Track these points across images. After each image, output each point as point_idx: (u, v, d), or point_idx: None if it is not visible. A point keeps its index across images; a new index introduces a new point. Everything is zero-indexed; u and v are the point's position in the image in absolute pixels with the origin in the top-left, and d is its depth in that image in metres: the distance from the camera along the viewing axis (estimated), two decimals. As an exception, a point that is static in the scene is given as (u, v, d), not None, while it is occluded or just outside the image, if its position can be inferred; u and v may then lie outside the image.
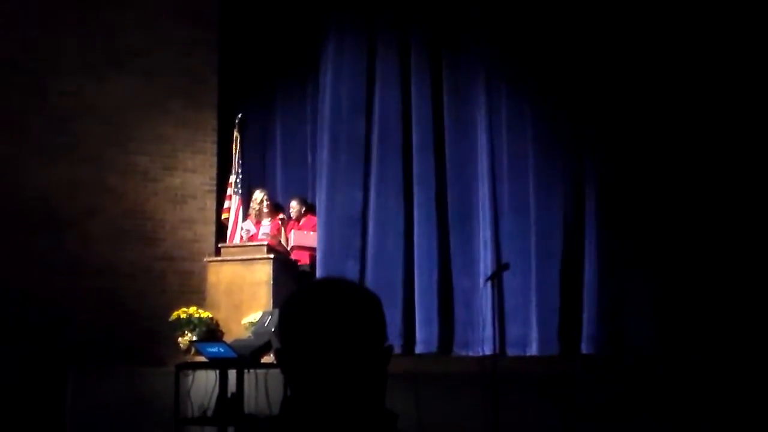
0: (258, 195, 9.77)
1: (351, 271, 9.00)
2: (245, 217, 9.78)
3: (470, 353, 8.36)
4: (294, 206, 9.79)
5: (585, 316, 7.94)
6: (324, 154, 9.51)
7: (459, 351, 8.48)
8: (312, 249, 9.53)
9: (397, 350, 8.53)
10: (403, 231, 8.95)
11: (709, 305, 7.30)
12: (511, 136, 8.64)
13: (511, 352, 8.17)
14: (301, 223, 9.73)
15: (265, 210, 9.74)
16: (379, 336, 1.59)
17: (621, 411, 6.67)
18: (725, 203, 7.48)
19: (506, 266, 7.48)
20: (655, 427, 6.54)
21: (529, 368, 7.75)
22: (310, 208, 9.88)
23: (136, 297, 9.27)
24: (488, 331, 8.15)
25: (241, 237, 9.65)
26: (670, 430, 6.49)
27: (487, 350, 8.03)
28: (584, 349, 7.86)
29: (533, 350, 8.09)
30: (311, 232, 9.58)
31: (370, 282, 8.87)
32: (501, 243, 8.50)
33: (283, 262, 9.11)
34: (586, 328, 7.90)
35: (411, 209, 8.97)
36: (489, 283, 7.51)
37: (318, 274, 9.21)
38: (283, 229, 9.64)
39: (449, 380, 7.46)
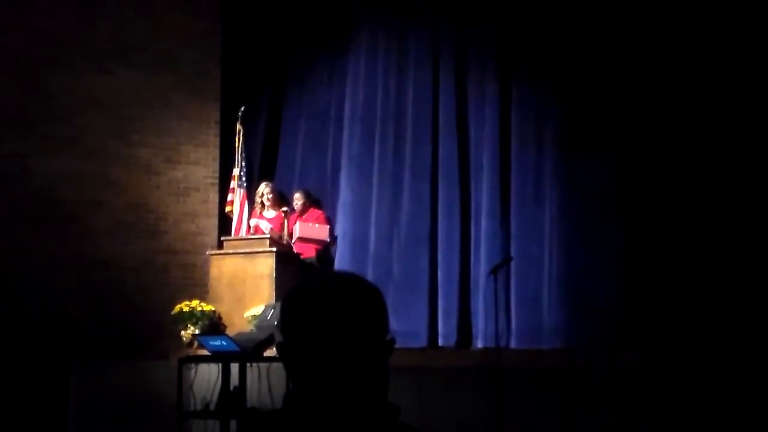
0: (263, 188, 9.78)
1: (384, 263, 9.08)
2: (250, 209, 9.78)
3: (487, 345, 8.33)
4: (298, 198, 9.79)
5: (611, 308, 7.89)
6: (354, 147, 9.56)
7: (477, 344, 8.45)
8: (317, 242, 9.55)
9: (423, 343, 8.60)
10: (430, 223, 8.99)
11: (727, 302, 7.28)
12: (530, 128, 8.65)
13: (531, 345, 8.14)
14: (304, 216, 9.73)
15: (267, 203, 9.74)
16: (380, 329, 1.58)
17: (624, 406, 6.66)
18: (740, 200, 7.47)
19: (510, 259, 7.50)
20: (658, 423, 6.53)
21: (532, 361, 7.74)
22: (313, 201, 9.89)
23: (138, 290, 9.27)
24: (501, 324, 8.19)
25: (248, 227, 9.67)
26: (674, 427, 6.48)
27: (504, 343, 8.10)
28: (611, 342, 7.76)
29: (555, 343, 8.04)
30: (316, 224, 9.60)
31: (400, 274, 8.96)
32: (518, 234, 8.51)
33: (285, 255, 9.11)
34: (617, 321, 7.84)
35: (436, 201, 9.00)
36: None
37: (349, 266, 9.25)
38: (286, 222, 9.64)
39: (451, 373, 7.45)
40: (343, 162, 9.73)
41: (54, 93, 9.18)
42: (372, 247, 9.28)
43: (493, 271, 7.18)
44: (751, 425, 6.20)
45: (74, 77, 9.27)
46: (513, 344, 8.28)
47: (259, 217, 9.70)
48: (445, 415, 7.00)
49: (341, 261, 9.48)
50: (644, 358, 7.19)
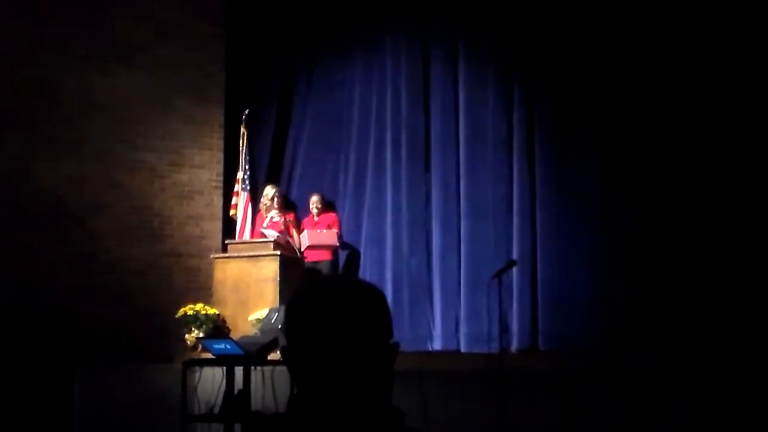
0: (269, 191, 9.77)
1: (417, 269, 9.09)
2: (255, 213, 9.78)
3: (518, 348, 8.29)
4: (315, 201, 9.76)
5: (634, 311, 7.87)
6: (382, 153, 9.60)
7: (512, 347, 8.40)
8: (328, 247, 9.56)
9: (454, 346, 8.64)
10: (455, 227, 9.01)
11: (727, 301, 7.27)
12: (556, 128, 8.66)
13: (560, 346, 8.11)
14: (317, 219, 9.72)
15: (275, 207, 9.73)
16: (384, 333, 1.57)
17: (628, 408, 6.65)
18: (736, 203, 7.46)
19: (514, 263, 7.48)
20: (662, 425, 6.52)
21: (536, 365, 7.73)
22: (327, 204, 9.90)
23: (143, 293, 9.28)
24: (527, 325, 8.20)
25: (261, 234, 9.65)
26: (676, 427, 6.47)
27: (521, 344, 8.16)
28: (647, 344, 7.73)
29: (583, 345, 8.00)
30: (324, 230, 9.59)
31: (434, 280, 8.99)
32: (545, 233, 8.50)
33: (290, 258, 9.11)
34: (647, 324, 7.80)
35: (458, 204, 9.02)
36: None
37: (389, 273, 9.26)
38: (294, 228, 9.65)
39: (456, 377, 7.44)
40: (369, 166, 9.72)
41: (58, 96, 9.20)
42: (403, 251, 9.27)
43: (497, 275, 7.16)
44: (757, 426, 6.19)
45: (78, 80, 9.29)
46: (541, 346, 8.25)
47: (267, 227, 9.64)
48: (450, 419, 6.99)
49: (372, 265, 9.51)
50: (649, 360, 7.17)
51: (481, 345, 8.33)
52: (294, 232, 9.62)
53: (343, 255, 9.85)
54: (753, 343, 6.92)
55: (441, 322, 8.88)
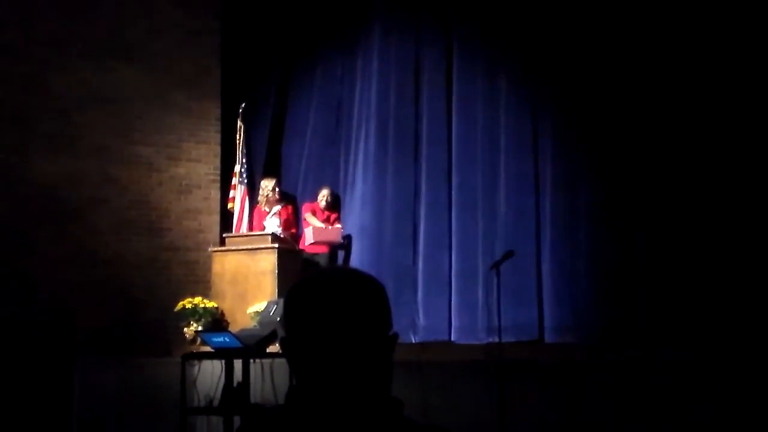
0: (267, 183, 9.77)
1: (404, 259, 9.07)
2: (252, 206, 9.79)
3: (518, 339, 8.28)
4: (325, 194, 9.78)
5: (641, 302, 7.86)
6: (371, 144, 9.57)
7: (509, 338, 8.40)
8: (332, 242, 9.57)
9: (436, 338, 8.64)
10: (447, 217, 9.00)
11: (720, 293, 7.28)
12: (552, 121, 8.64)
13: (565, 339, 8.10)
14: (325, 212, 9.74)
15: (275, 199, 9.73)
16: (384, 324, 1.58)
17: (626, 401, 6.66)
18: (735, 198, 7.47)
19: (511, 253, 7.47)
20: (660, 418, 6.53)
21: (534, 356, 7.74)
22: (336, 199, 9.91)
23: (141, 287, 9.29)
24: (532, 317, 8.19)
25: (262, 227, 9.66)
26: (674, 421, 6.49)
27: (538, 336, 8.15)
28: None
29: (587, 337, 8.00)
30: (330, 226, 9.61)
31: (422, 271, 8.96)
32: (540, 225, 8.48)
33: (287, 251, 9.12)
34: (645, 315, 7.79)
35: (450, 194, 9.00)
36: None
37: (372, 263, 9.23)
38: (293, 220, 9.67)
39: (454, 368, 7.46)
40: (360, 158, 9.73)
41: (54, 91, 9.19)
42: (391, 242, 9.26)
43: (494, 267, 7.16)
44: (753, 420, 6.21)
45: (74, 75, 9.28)
46: (547, 338, 8.24)
47: (264, 214, 9.66)
48: (448, 409, 7.00)
49: (361, 256, 9.49)
50: (648, 352, 7.19)
51: (473, 336, 8.34)
52: (300, 220, 9.66)
53: (339, 246, 9.86)
54: (755, 336, 6.93)
55: (428, 314, 8.85)
